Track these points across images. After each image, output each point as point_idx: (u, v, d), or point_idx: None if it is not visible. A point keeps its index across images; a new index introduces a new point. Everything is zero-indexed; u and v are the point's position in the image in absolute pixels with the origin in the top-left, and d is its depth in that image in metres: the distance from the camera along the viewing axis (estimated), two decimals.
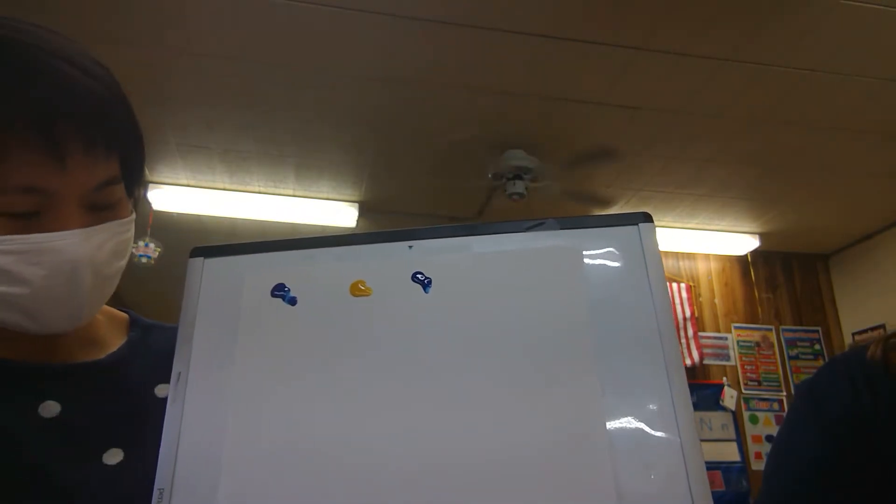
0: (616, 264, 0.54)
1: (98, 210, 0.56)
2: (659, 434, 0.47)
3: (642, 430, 0.48)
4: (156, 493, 0.50)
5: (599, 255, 0.55)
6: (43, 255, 0.52)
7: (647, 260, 0.54)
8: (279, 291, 0.56)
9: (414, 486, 0.48)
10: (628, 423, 0.48)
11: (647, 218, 0.55)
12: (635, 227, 0.55)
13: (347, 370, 0.53)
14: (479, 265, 0.56)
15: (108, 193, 0.56)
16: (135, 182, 0.62)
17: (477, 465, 0.48)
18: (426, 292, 0.55)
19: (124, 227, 0.59)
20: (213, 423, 0.52)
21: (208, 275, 0.59)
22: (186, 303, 0.58)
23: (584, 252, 0.55)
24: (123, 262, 0.60)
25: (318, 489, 0.49)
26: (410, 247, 0.57)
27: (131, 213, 0.61)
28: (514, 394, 0.50)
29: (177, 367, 0.55)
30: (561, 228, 0.56)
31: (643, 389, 0.49)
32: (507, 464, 0.48)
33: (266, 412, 0.52)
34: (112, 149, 0.55)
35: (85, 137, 0.52)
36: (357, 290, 0.56)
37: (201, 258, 0.60)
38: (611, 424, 0.48)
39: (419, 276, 0.56)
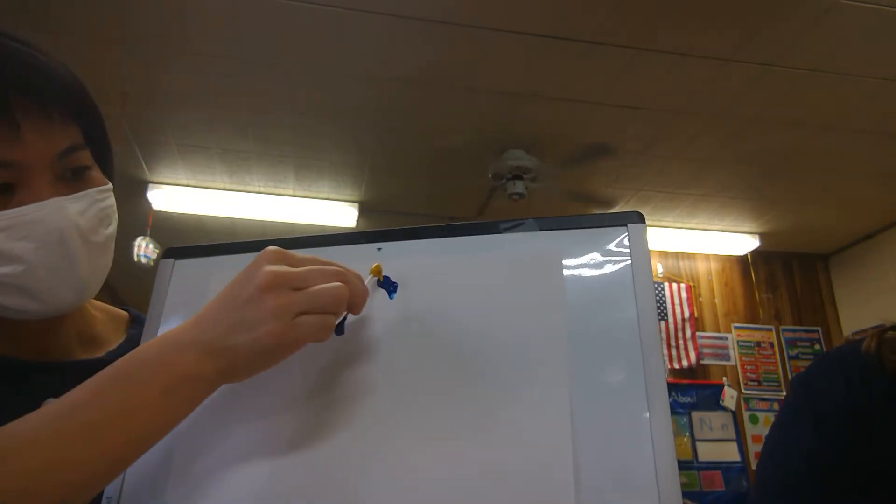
0: (601, 270, 0.49)
1: (71, 180, 0.56)
2: (632, 453, 0.43)
3: (614, 449, 0.43)
4: (104, 503, 0.49)
5: (581, 261, 0.50)
6: (27, 227, 0.52)
7: (635, 265, 0.49)
8: None
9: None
10: (600, 442, 0.44)
11: (639, 218, 0.51)
12: (624, 227, 0.50)
13: (304, 378, 0.50)
14: (449, 270, 0.52)
15: (74, 159, 0.56)
16: (102, 154, 0.62)
17: (436, 490, 0.44)
18: (390, 298, 0.52)
19: (103, 195, 0.58)
20: None
21: (177, 276, 0.58)
22: (153, 305, 0.57)
23: (565, 258, 0.50)
24: (111, 230, 0.59)
25: (263, 499, 0.47)
26: (379, 249, 0.55)
27: (107, 182, 0.61)
28: (476, 414, 0.46)
29: None
30: (540, 230, 0.52)
31: (619, 403, 0.45)
32: (470, 486, 0.44)
33: (219, 420, 0.50)
34: (69, 117, 0.56)
35: (38, 106, 0.53)
36: None
37: (172, 259, 0.59)
38: (580, 446, 0.44)
39: (385, 280, 0.53)
